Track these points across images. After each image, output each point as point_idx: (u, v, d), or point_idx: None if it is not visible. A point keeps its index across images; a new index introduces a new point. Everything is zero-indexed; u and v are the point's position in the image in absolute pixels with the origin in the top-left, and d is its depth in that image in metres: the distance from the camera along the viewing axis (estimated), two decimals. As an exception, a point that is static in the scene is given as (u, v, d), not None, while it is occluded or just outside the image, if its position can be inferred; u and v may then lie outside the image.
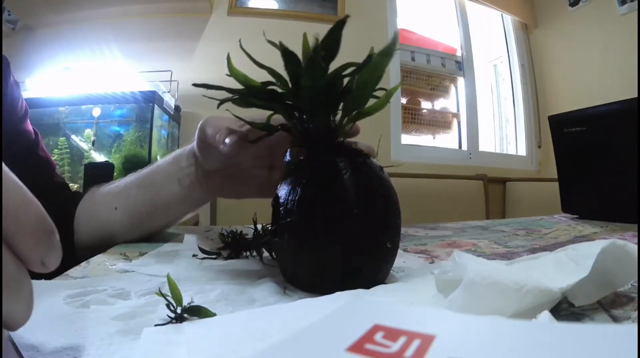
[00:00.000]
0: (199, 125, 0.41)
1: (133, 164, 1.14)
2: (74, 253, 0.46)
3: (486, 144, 2.21)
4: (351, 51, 0.27)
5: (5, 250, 0.12)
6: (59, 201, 0.48)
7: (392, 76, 1.86)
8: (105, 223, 0.47)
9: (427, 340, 0.11)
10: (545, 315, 0.16)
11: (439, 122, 2.15)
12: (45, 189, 0.48)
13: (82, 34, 1.57)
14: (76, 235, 0.47)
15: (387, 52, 0.25)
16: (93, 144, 1.15)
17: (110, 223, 0.47)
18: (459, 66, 2.14)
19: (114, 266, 0.35)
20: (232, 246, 0.38)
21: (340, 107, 0.28)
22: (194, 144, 0.44)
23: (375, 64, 0.25)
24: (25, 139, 0.52)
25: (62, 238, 0.14)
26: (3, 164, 0.13)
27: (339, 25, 0.24)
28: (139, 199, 0.47)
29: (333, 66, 0.26)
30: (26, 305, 0.13)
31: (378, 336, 0.11)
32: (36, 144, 0.53)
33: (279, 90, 0.28)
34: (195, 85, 0.29)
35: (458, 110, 2.17)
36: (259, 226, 0.36)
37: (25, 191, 0.13)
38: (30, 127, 0.53)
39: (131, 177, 0.50)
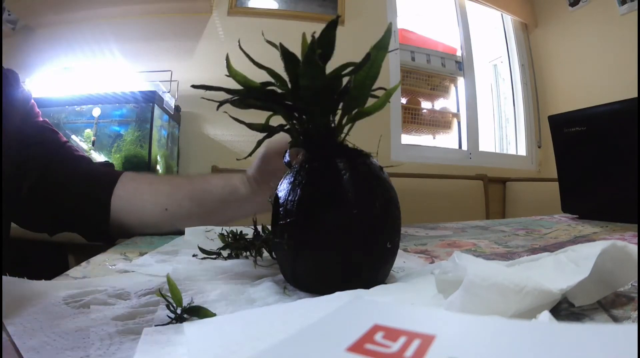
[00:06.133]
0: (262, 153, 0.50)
1: (133, 164, 1.14)
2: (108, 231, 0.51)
3: (486, 144, 2.21)
4: (351, 51, 0.27)
5: None
6: (96, 187, 0.52)
7: (392, 75, 1.86)
8: (150, 217, 0.52)
9: (427, 340, 0.11)
10: (545, 315, 0.16)
11: (439, 122, 2.15)
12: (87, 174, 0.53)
13: (82, 34, 1.57)
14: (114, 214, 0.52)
15: (382, 45, 0.25)
16: (93, 144, 1.15)
17: (155, 219, 0.52)
18: (459, 66, 2.14)
19: (114, 267, 0.35)
20: (232, 246, 0.38)
21: (340, 107, 0.28)
22: (251, 172, 0.52)
23: (371, 59, 0.25)
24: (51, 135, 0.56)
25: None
26: None
27: (332, 25, 0.25)
28: (193, 211, 0.52)
29: (332, 67, 0.26)
30: None
31: (378, 336, 0.11)
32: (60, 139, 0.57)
33: (279, 90, 0.28)
34: (194, 86, 0.29)
35: (458, 110, 2.17)
36: (259, 227, 0.36)
37: None
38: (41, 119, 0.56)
39: (181, 183, 0.55)
